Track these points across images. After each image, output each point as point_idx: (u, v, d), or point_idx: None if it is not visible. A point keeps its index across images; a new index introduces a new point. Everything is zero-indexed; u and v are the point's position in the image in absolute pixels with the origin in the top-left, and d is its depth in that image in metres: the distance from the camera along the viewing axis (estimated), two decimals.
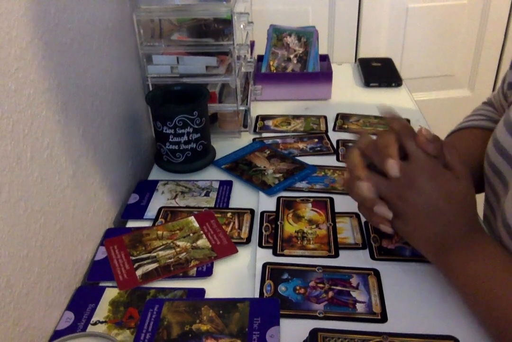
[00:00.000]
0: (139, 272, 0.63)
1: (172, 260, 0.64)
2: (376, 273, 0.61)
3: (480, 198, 0.86)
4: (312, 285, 0.60)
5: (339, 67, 1.23)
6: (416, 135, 0.56)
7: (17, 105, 0.50)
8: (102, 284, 0.63)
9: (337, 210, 0.72)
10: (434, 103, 1.70)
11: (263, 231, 0.69)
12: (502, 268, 0.52)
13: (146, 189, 0.80)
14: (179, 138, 0.80)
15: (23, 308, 0.51)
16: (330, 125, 0.97)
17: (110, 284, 0.62)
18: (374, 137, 0.59)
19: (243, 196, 0.78)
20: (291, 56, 1.08)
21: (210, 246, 0.67)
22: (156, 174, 0.85)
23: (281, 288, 0.59)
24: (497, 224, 0.63)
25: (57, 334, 0.56)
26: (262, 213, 0.73)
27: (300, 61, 1.08)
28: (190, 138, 0.80)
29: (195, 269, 0.63)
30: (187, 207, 0.75)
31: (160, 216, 0.73)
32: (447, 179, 0.54)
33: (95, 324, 0.57)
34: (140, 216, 0.74)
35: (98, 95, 0.70)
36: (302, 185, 0.79)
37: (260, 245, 0.67)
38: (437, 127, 0.97)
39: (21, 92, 0.51)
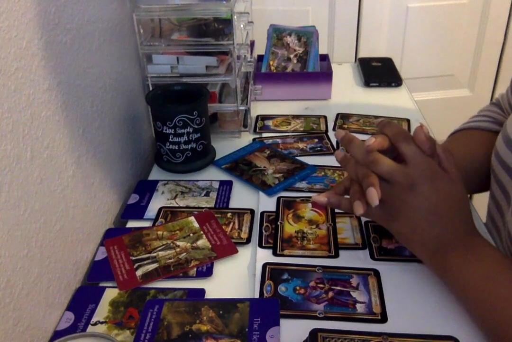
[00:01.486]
0: (139, 272, 0.63)
1: (172, 260, 0.64)
2: (376, 273, 0.61)
3: (481, 198, 0.86)
4: (312, 285, 0.60)
5: (339, 67, 1.23)
6: (411, 137, 0.56)
7: (17, 105, 0.50)
8: (102, 284, 0.63)
9: (337, 210, 0.72)
10: (434, 103, 1.70)
11: (263, 231, 0.69)
12: (502, 270, 0.52)
13: (146, 189, 0.80)
14: (179, 138, 0.79)
15: (23, 308, 0.51)
16: (330, 125, 0.97)
17: (110, 284, 0.62)
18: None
19: (243, 196, 0.78)
20: (291, 56, 1.08)
21: (210, 246, 0.67)
22: (156, 174, 0.85)
23: (281, 288, 0.59)
24: (504, 220, 0.63)
25: (57, 334, 0.56)
26: (262, 213, 0.73)
27: (300, 61, 1.08)
28: (190, 138, 0.80)
29: (195, 269, 0.63)
30: (187, 207, 0.75)
31: (160, 216, 0.73)
32: (445, 181, 0.55)
33: (95, 324, 0.57)
34: (140, 216, 0.74)
35: (98, 95, 0.70)
36: (302, 185, 0.79)
37: (260, 245, 0.67)
38: (437, 127, 0.97)
39: (21, 92, 0.50)
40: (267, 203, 0.75)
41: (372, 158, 0.55)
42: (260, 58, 1.11)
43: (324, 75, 1.06)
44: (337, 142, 0.90)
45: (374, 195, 0.54)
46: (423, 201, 0.54)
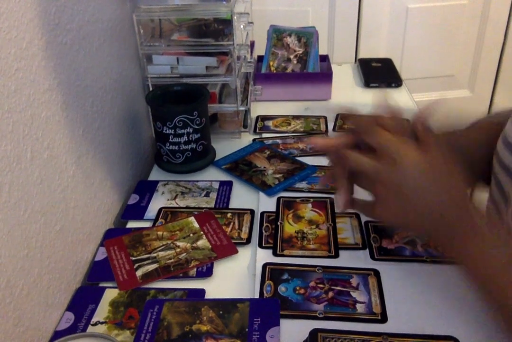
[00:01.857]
0: (139, 273, 0.63)
1: (172, 260, 0.64)
2: (376, 273, 0.61)
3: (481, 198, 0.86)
4: (312, 285, 0.60)
5: (339, 68, 1.23)
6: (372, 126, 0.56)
7: (17, 105, 0.50)
8: (102, 284, 0.63)
9: (337, 210, 0.72)
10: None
11: (263, 231, 0.69)
12: None
13: (146, 189, 0.80)
14: (179, 138, 0.80)
15: (23, 308, 0.51)
16: (330, 125, 0.97)
17: (110, 285, 0.62)
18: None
19: (243, 196, 0.78)
20: (291, 56, 1.08)
21: (210, 246, 0.67)
22: (156, 174, 0.85)
23: (281, 288, 0.59)
24: (503, 220, 0.63)
25: (57, 334, 0.56)
26: (262, 213, 0.73)
27: (300, 62, 1.08)
28: (190, 138, 0.80)
29: (195, 269, 0.63)
30: (187, 207, 0.75)
31: (160, 217, 0.73)
32: (422, 149, 0.54)
33: (95, 324, 0.57)
34: (140, 216, 0.74)
35: (98, 95, 0.70)
36: (302, 185, 0.79)
37: (260, 245, 0.67)
38: (437, 127, 0.97)
39: (21, 93, 0.51)
40: (267, 203, 0.75)
41: (342, 155, 0.55)
42: (260, 58, 1.11)
43: (324, 75, 1.06)
44: None
45: (339, 201, 0.56)
46: (412, 171, 0.52)
